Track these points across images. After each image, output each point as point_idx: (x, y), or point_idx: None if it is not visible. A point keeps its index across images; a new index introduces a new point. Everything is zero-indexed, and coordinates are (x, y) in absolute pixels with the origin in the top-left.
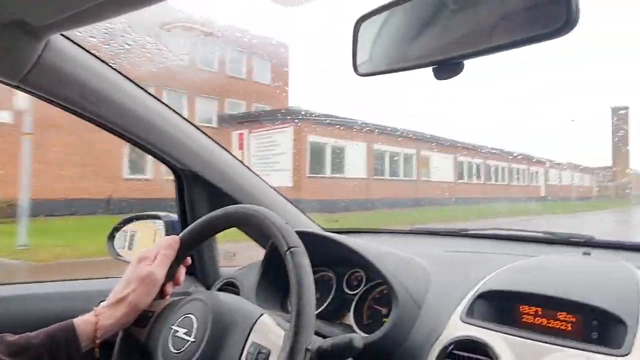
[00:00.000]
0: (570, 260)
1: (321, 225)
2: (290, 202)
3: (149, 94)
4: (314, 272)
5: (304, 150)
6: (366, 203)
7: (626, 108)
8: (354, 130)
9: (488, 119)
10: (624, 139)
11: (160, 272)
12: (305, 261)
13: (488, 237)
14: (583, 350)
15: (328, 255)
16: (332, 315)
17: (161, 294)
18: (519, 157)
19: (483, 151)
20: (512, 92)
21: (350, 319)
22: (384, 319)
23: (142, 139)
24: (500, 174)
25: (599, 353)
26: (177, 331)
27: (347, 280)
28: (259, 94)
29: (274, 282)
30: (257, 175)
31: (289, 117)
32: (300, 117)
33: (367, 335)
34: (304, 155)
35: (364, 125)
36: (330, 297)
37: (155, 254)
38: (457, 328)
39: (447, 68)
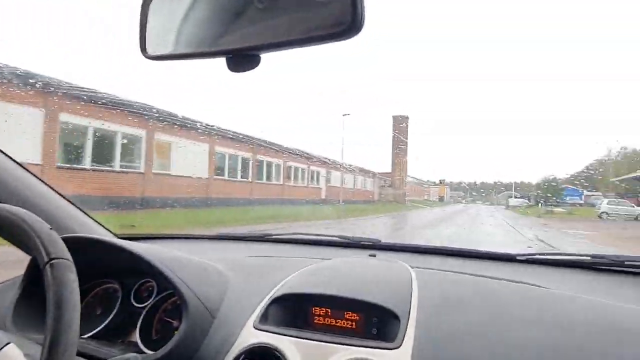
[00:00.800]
0: (358, 261)
1: (113, 231)
2: (72, 203)
3: None
4: (97, 285)
5: None
6: None
7: (406, 118)
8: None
9: (261, 112)
10: (402, 147)
11: None
12: (69, 276)
13: (290, 242)
14: (363, 347)
15: (114, 264)
16: (115, 333)
17: None
18: (299, 154)
19: (252, 143)
20: (290, 87)
21: (136, 335)
22: (176, 332)
23: None
24: (275, 172)
25: (376, 348)
26: None
27: (136, 292)
28: None
29: (39, 301)
30: (23, 167)
31: None
32: None
33: (152, 352)
34: None
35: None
36: (114, 312)
37: None
38: (250, 335)
39: (242, 60)
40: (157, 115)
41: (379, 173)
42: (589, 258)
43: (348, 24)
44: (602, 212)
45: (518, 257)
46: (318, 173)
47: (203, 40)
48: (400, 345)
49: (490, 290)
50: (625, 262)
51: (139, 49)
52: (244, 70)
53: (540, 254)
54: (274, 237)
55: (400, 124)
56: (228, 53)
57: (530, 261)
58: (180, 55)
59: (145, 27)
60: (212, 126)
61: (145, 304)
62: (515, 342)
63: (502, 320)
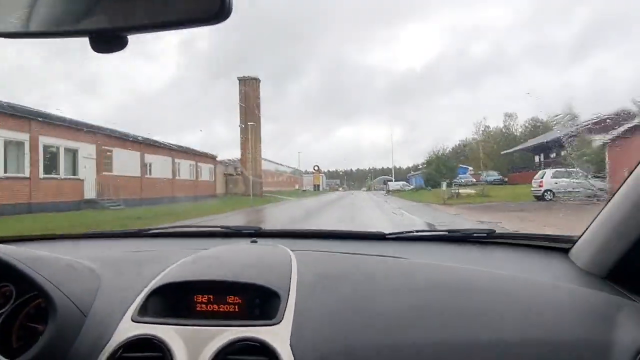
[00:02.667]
0: (239, 248)
1: None
2: None
3: None
4: None
5: None
6: None
7: (257, 80)
8: None
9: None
10: (254, 121)
11: None
12: None
13: (168, 235)
14: (245, 326)
15: None
16: None
17: None
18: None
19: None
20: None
21: None
22: (41, 337)
23: None
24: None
25: (258, 326)
26: None
27: None
28: None
29: None
30: None
31: None
32: None
33: None
34: None
35: None
36: None
37: None
38: (128, 329)
39: (108, 41)
40: None
41: (225, 159)
42: (445, 233)
43: (217, 9)
44: (546, 191)
45: (387, 236)
46: (75, 152)
47: (63, 19)
48: (281, 321)
49: (361, 265)
50: (474, 234)
51: None
52: (110, 52)
53: (407, 232)
54: (151, 231)
55: (249, 89)
56: (91, 33)
57: (398, 238)
58: (31, 34)
59: None
60: None
61: (1, 311)
62: (380, 308)
63: (370, 290)
